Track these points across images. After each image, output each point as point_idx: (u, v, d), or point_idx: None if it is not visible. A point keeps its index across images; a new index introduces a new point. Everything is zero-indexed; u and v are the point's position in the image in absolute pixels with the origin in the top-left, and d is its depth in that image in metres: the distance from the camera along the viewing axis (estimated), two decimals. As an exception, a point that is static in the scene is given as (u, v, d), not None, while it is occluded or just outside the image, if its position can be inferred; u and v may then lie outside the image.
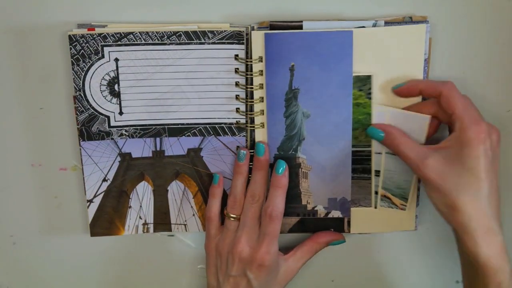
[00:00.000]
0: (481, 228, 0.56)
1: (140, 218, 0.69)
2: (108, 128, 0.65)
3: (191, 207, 0.68)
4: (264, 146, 0.64)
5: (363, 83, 0.62)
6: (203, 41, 0.62)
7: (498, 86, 0.64)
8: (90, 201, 0.67)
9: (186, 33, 0.61)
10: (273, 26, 0.61)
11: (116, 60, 0.62)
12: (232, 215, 0.64)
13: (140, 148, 0.66)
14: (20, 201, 0.70)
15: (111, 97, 0.63)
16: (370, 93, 0.63)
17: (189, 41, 0.62)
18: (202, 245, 0.68)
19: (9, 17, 0.63)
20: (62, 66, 0.64)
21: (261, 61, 0.62)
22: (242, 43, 0.62)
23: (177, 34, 0.62)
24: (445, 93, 0.58)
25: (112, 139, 0.65)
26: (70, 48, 0.62)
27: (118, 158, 0.66)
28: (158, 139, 0.66)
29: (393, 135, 0.61)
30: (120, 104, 0.64)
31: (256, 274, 0.62)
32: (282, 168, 0.64)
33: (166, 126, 0.65)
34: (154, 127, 0.65)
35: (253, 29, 0.62)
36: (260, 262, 0.62)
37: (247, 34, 0.62)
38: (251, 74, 0.63)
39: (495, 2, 0.62)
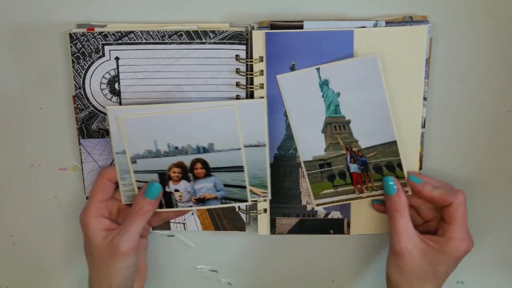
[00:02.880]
0: None
1: (140, 217, 0.68)
2: (108, 126, 0.64)
3: (191, 206, 0.68)
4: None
5: (364, 83, 0.63)
6: (204, 41, 0.62)
7: (498, 86, 0.64)
8: (90, 199, 0.67)
9: (187, 33, 0.62)
10: (273, 25, 0.62)
11: (117, 58, 0.62)
12: None
13: (140, 147, 0.66)
14: (20, 201, 0.70)
15: (111, 95, 0.64)
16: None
17: (190, 41, 0.62)
18: (202, 245, 0.68)
19: (9, 17, 0.63)
20: (61, 67, 0.64)
21: (262, 61, 0.62)
22: (243, 43, 0.62)
23: (178, 34, 0.62)
24: (455, 205, 0.61)
25: (112, 137, 0.65)
26: (71, 46, 0.62)
27: (118, 157, 0.66)
28: (158, 138, 0.66)
29: (400, 200, 0.63)
30: (120, 102, 0.64)
31: None
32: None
33: (166, 125, 0.65)
34: (154, 126, 0.65)
35: (253, 29, 0.62)
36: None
37: (247, 34, 0.62)
38: (252, 74, 0.63)
39: (495, 2, 0.62)
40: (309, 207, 0.67)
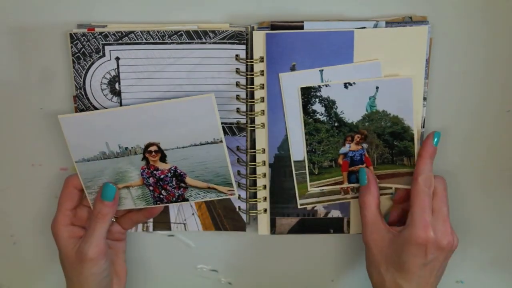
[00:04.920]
0: None
1: (140, 217, 0.69)
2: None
3: (191, 206, 0.68)
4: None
5: (364, 83, 0.63)
6: (204, 40, 0.62)
7: (498, 86, 0.64)
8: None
9: (187, 33, 0.62)
10: (274, 26, 0.62)
11: (117, 59, 0.62)
12: None
13: (141, 147, 0.66)
14: (20, 201, 0.70)
15: (112, 95, 0.64)
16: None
17: (190, 41, 0.62)
18: (202, 245, 0.68)
19: (9, 17, 0.63)
20: (62, 67, 0.64)
21: (262, 61, 0.62)
22: (243, 43, 0.62)
23: (178, 34, 0.62)
24: (416, 189, 0.61)
25: (113, 138, 0.65)
26: (71, 47, 0.62)
27: (119, 157, 0.66)
28: (158, 138, 0.66)
29: (369, 191, 0.64)
30: (120, 102, 0.64)
31: None
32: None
33: (166, 125, 0.65)
34: (154, 126, 0.65)
35: (253, 29, 0.62)
36: None
37: (247, 34, 0.62)
38: (252, 74, 0.63)
39: (495, 2, 0.62)
40: (309, 207, 0.67)
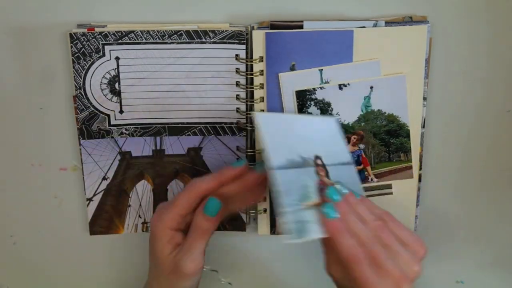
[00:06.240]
0: None
1: (140, 217, 0.69)
2: (108, 126, 0.65)
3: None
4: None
5: (363, 82, 0.63)
6: (204, 40, 0.62)
7: (498, 86, 0.64)
8: (90, 199, 0.67)
9: (187, 33, 0.62)
10: (273, 25, 0.62)
11: (117, 58, 0.62)
12: None
13: (140, 147, 0.66)
14: (20, 201, 0.70)
15: (112, 95, 0.64)
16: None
17: (190, 41, 0.62)
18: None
19: (9, 17, 0.63)
20: (62, 67, 0.64)
21: (262, 61, 0.62)
22: (243, 43, 0.62)
23: (178, 33, 0.62)
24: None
25: (112, 137, 0.65)
26: (71, 46, 0.62)
27: (118, 157, 0.66)
28: (158, 138, 0.66)
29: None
30: (120, 102, 0.64)
31: None
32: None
33: (166, 125, 0.65)
34: (154, 126, 0.65)
35: (253, 29, 0.62)
36: None
37: (247, 34, 0.62)
38: (252, 74, 0.63)
39: (495, 2, 0.62)
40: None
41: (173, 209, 0.58)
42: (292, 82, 0.62)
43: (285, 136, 0.56)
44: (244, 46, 0.62)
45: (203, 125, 0.65)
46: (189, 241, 0.57)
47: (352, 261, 0.51)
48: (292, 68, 0.62)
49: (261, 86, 0.63)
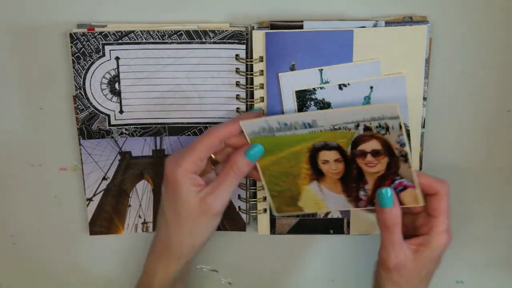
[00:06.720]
0: None
1: (140, 217, 0.69)
2: (108, 126, 0.65)
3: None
4: None
5: (363, 82, 0.63)
6: (204, 40, 0.62)
7: (498, 86, 0.64)
8: (90, 199, 0.67)
9: (187, 32, 0.62)
10: (273, 25, 0.62)
11: (117, 58, 0.62)
12: None
13: (140, 147, 0.66)
14: (20, 201, 0.70)
15: (112, 95, 0.64)
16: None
17: (190, 41, 0.62)
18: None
19: (9, 17, 0.63)
20: (62, 67, 0.64)
21: (262, 61, 0.62)
22: (243, 43, 0.62)
23: (178, 33, 0.62)
24: (441, 195, 0.58)
25: (112, 137, 0.65)
26: (71, 46, 0.62)
27: (118, 157, 0.66)
28: (158, 138, 0.66)
29: (397, 212, 0.58)
30: (120, 102, 0.64)
31: None
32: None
33: (166, 125, 0.65)
34: (154, 126, 0.65)
35: (253, 29, 0.62)
36: None
37: (247, 34, 0.62)
38: (252, 74, 0.63)
39: (494, 2, 0.62)
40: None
41: (194, 152, 0.58)
42: (292, 82, 0.62)
43: None
44: (244, 46, 0.62)
45: (203, 125, 0.65)
46: (221, 179, 0.59)
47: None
48: (292, 68, 0.62)
49: (261, 86, 0.63)
